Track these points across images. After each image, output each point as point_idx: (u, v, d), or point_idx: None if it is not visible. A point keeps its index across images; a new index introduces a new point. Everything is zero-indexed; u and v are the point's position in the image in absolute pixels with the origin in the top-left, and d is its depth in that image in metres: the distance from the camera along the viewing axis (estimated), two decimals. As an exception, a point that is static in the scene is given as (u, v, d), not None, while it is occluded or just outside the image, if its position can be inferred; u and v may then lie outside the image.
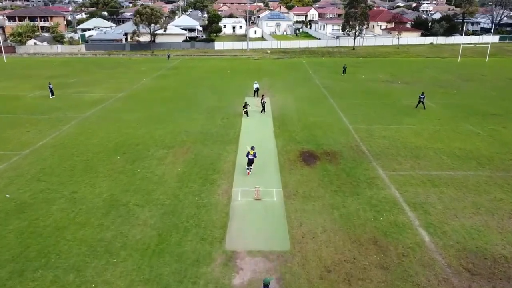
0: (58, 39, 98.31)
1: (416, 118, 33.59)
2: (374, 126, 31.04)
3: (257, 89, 40.04)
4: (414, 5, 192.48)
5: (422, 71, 61.21)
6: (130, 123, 31.68)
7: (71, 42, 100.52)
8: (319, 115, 34.22)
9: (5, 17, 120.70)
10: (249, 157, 21.35)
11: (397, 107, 37.51)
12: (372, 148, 26.00)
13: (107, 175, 21.68)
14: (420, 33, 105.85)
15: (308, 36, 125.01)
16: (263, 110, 35.01)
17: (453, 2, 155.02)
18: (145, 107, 37.15)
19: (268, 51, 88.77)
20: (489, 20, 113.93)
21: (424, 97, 36.55)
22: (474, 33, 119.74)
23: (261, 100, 35.03)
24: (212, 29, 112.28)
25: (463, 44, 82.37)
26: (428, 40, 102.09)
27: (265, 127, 30.31)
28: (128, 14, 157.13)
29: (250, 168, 21.67)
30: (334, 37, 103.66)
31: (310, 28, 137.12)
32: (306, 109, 36.32)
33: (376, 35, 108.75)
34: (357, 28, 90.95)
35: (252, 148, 21.67)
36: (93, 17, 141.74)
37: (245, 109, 33.11)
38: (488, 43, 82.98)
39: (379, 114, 34.79)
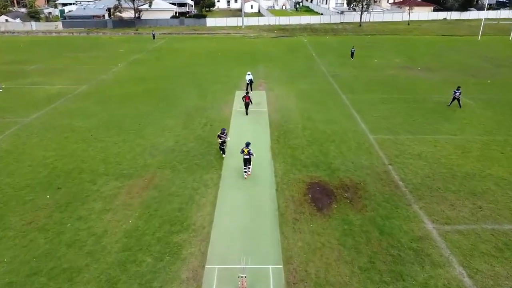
0: (33, 15, 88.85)
1: (455, 123, 26.05)
2: (403, 136, 23.55)
3: (251, 81, 32.22)
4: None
5: (442, 54, 53.10)
6: (81, 134, 24.07)
7: (49, 18, 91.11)
8: (329, 119, 26.60)
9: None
10: (245, 156, 18.10)
11: (427, 105, 29.88)
12: (408, 177, 18.63)
13: (17, 236, 14.40)
14: (432, 8, 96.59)
15: (309, 11, 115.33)
16: (246, 112, 27.62)
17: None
18: (108, 107, 29.38)
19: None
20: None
21: (460, 93, 28.86)
22: (491, 7, 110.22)
23: (245, 99, 27.35)
24: (204, 3, 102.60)
25: (484, 20, 73.55)
26: (441, 15, 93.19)
27: (260, 140, 22.82)
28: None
29: (249, 169, 18.64)
30: (338, 12, 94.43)
31: (312, 2, 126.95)
32: (312, 110, 28.61)
33: (384, 10, 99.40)
34: (364, 3, 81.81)
35: (247, 145, 18.12)
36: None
37: (221, 143, 20.87)
38: (510, 19, 74.35)
39: (406, 116, 27.22)
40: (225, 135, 20.51)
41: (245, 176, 18.53)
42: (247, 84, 32.50)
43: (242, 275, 11.57)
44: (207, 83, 36.35)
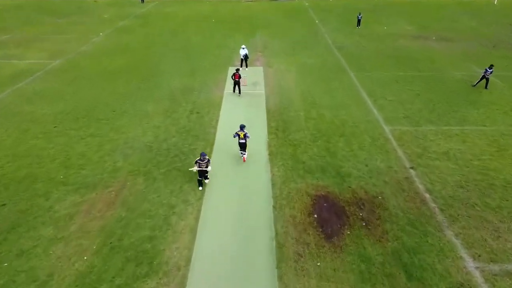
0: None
1: (483, 108, 22.13)
2: (425, 127, 19.66)
3: (246, 56, 27.80)
4: None
5: (457, 20, 47.94)
6: (44, 125, 20.12)
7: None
8: (336, 105, 22.60)
9: None
10: (240, 141, 16.22)
11: (448, 85, 25.70)
12: (435, 188, 14.95)
13: None
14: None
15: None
16: (235, 90, 24.02)
17: None
18: (81, 89, 25.20)
19: None
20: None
21: (491, 73, 24.63)
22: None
23: (234, 77, 23.43)
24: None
25: (502, -19, 67.05)
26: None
27: (255, 133, 19.06)
28: None
29: (244, 153, 16.70)
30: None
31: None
32: (316, 92, 24.45)
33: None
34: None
35: (242, 128, 16.18)
36: None
37: (200, 174, 14.93)
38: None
39: (425, 100, 23.21)
40: (206, 162, 14.34)
41: (243, 157, 16.77)
42: (242, 59, 28.08)
43: None
44: (197, 57, 31.80)
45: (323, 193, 14.76)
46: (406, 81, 26.27)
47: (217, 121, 20.43)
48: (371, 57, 31.99)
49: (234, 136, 16.15)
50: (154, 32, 41.02)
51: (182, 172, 16.00)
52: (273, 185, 15.23)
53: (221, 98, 23.43)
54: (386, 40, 37.47)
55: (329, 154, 17.35)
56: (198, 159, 14.38)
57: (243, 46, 28.03)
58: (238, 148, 16.66)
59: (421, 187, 15.14)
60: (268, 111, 21.56)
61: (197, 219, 13.37)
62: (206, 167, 14.41)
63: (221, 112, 21.43)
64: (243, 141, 16.08)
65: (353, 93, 24.30)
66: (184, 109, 21.90)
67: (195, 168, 14.39)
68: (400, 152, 17.53)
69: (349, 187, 15.14)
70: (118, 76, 27.35)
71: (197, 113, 21.36)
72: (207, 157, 14.38)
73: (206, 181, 15.18)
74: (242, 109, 21.70)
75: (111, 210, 13.82)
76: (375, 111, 21.75)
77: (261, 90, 24.56)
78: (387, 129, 19.71)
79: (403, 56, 32.24)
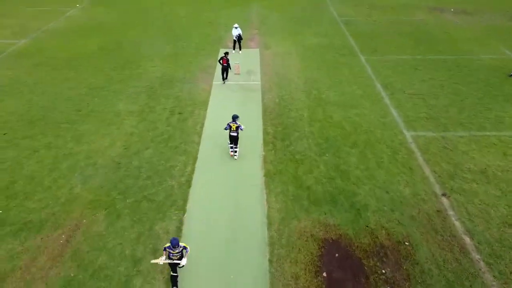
0: None
1: (523, 106, 18.28)
2: (454, 133, 16.13)
3: (239, 37, 23.60)
4: None
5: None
6: (-11, 132, 16.38)
7: None
8: (346, 101, 19.00)
9: None
10: (232, 133, 14.05)
11: (476, 72, 21.90)
12: (477, 228, 11.72)
13: None
14: None
15: None
16: (223, 77, 20.47)
17: None
18: (43, 80, 21.34)
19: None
20: None
21: (530, 59, 20.71)
22: None
23: (222, 61, 19.95)
24: None
25: None
26: None
27: (247, 143, 15.57)
28: None
29: (236, 149, 14.57)
30: None
31: None
32: (322, 83, 20.63)
33: None
34: None
35: (235, 119, 13.99)
36: None
37: (172, 269, 9.81)
38: None
39: (451, 93, 19.62)
40: (180, 252, 9.46)
41: (232, 153, 14.68)
42: (234, 40, 23.89)
43: None
44: (182, 36, 27.47)
45: (333, 237, 11.38)
46: (426, 68, 22.30)
47: (202, 125, 16.73)
48: (384, 34, 27.73)
49: (226, 128, 14.06)
50: (136, 4, 36.13)
51: (155, 203, 12.54)
52: (270, 224, 11.81)
53: (209, 92, 19.57)
54: (399, 13, 32.96)
55: (340, 174, 13.82)
56: (167, 246, 9.38)
57: (236, 25, 23.75)
58: (228, 141, 14.46)
59: (458, 226, 11.76)
60: (265, 111, 17.79)
61: (168, 282, 10.02)
62: (180, 259, 9.52)
63: (208, 112, 17.68)
64: (235, 134, 13.96)
65: (365, 84, 20.42)
66: (163, 107, 18.11)
67: (162, 260, 9.46)
68: (427, 171, 14.02)
69: (367, 226, 11.74)
70: (89, 62, 23.25)
71: (179, 113, 17.60)
72: (181, 246, 9.41)
73: (183, 261, 9.65)
74: (234, 107, 17.91)
75: (57, 266, 10.47)
76: (392, 109, 18.01)
77: (256, 81, 20.64)
78: (408, 135, 16.08)
79: (421, 33, 27.96)
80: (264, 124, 16.77)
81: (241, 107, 17.98)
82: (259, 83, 20.43)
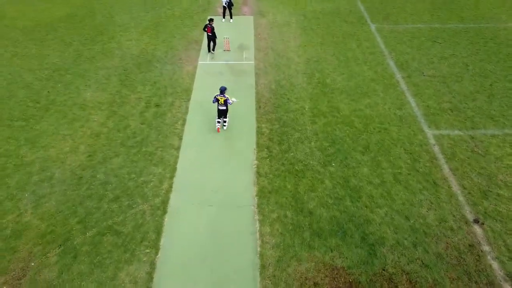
0: None
1: None
2: (484, 130, 13.52)
3: (229, 3, 19.85)
4: None
5: None
6: None
7: None
8: (356, 87, 16.02)
9: None
10: (220, 107, 12.79)
11: (505, 45, 18.64)
12: (522, 272, 9.18)
13: None
14: None
15: None
16: (209, 49, 17.78)
17: None
18: (-2, 58, 17.84)
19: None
20: None
21: None
22: None
23: (206, 30, 17.10)
24: None
25: None
26: None
27: (236, 149, 12.91)
28: None
29: (224, 122, 13.25)
30: None
31: None
32: (327, 63, 17.57)
33: None
34: None
35: (222, 92, 12.62)
36: None
37: None
38: None
39: (476, 74, 16.70)
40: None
41: (218, 127, 13.34)
42: (224, 7, 20.18)
43: None
44: (163, 3, 23.49)
45: (342, 286, 8.94)
46: (447, 40, 18.94)
47: (183, 122, 13.80)
48: (397, -3, 23.83)
49: (214, 102, 12.93)
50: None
51: (121, 238, 9.99)
52: (263, 267, 9.35)
53: (193, 75, 16.38)
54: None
55: (349, 192, 11.19)
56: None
57: (225, -13, 19.91)
58: (216, 115, 13.34)
59: (495, 268, 9.32)
60: (259, 101, 14.78)
61: None
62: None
63: (191, 104, 14.66)
64: (224, 107, 12.85)
65: (376, 63, 17.23)
66: (138, 97, 15.03)
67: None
68: (454, 185, 11.40)
69: (383, 270, 9.30)
70: (55, 33, 19.69)
71: (157, 105, 14.56)
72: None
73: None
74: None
75: (-7, 336, 8.07)
76: (410, 97, 15.02)
77: (249, 59, 17.36)
78: (430, 134, 13.27)
79: (439, -4, 24.05)
80: (258, 120, 13.83)
81: (231, 96, 14.89)
82: (253, 62, 17.17)
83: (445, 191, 11.31)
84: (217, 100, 12.65)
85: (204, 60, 17.27)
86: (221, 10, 20.93)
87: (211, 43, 17.02)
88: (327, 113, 14.21)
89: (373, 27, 20.38)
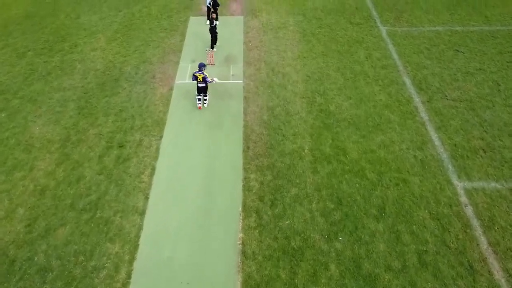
0: None
1: None
2: (528, 185, 10.28)
3: (214, 2, 16.20)
4: None
5: None
6: None
7: None
8: (366, 117, 12.91)
9: None
10: (200, 84, 12.12)
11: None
12: None
13: None
14: None
15: None
16: (213, 43, 15.21)
17: None
18: None
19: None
20: None
21: None
22: None
23: (210, 17, 14.74)
24: None
25: None
26: None
27: (217, 212, 9.72)
28: None
29: (205, 98, 12.61)
30: None
31: None
32: (330, 81, 14.44)
33: None
34: None
35: (201, 68, 12.00)
36: None
37: None
38: None
39: (511, 99, 13.19)
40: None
41: (199, 105, 12.62)
42: (208, 6, 16.58)
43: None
44: (141, 3, 19.72)
45: None
46: (471, 49, 15.68)
47: (152, 170, 10.72)
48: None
49: (193, 80, 12.22)
50: None
51: None
52: None
53: (168, 100, 13.11)
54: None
55: (362, 284, 8.27)
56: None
57: (208, -18, 16.25)
58: (196, 92, 12.58)
59: None
60: (247, 141, 11.64)
61: None
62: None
63: (163, 143, 11.50)
64: (203, 84, 12.21)
65: (390, 80, 14.05)
66: (98, 132, 11.85)
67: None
68: (498, 273, 8.58)
69: None
70: (6, 40, 16.21)
71: (120, 146, 11.42)
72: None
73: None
74: (201, 132, 11.73)
75: None
76: (432, 131, 11.97)
77: (237, 78, 14.07)
78: (460, 187, 10.33)
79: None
80: (246, 169, 10.75)
81: (213, 131, 11.82)
82: (241, 82, 13.84)
83: (486, 280, 8.43)
84: (196, 78, 11.96)
85: (182, 78, 13.95)
86: (205, 9, 17.31)
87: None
88: (332, 156, 11.11)
89: (383, 30, 16.93)
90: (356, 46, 15.93)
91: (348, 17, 17.84)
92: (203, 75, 11.97)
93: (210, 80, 12.09)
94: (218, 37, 15.15)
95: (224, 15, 17.67)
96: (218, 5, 16.43)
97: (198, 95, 12.52)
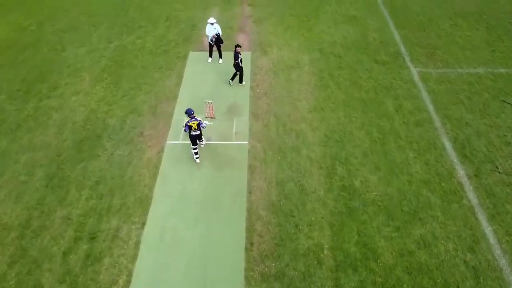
0: None
1: None
2: None
3: (218, 39, 13.59)
4: None
5: None
6: None
7: None
8: (401, 203, 10.22)
9: None
10: (193, 133, 10.21)
11: None
12: None
13: None
14: None
15: None
16: (237, 78, 13.19)
17: None
18: None
19: None
20: None
21: None
22: None
23: (235, 51, 12.51)
24: None
25: None
26: None
27: None
28: None
29: (202, 142, 10.98)
30: None
31: None
32: (353, 146, 11.75)
33: None
34: None
35: (190, 114, 10.10)
36: None
37: None
38: None
39: None
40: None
41: (198, 159, 10.62)
42: (210, 43, 13.95)
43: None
44: (137, 20, 17.35)
45: None
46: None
47: (129, 275, 8.26)
48: (443, 17, 17.36)
49: (185, 130, 10.17)
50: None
51: None
52: None
53: (156, 168, 10.59)
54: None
55: None
56: None
57: (212, 19, 13.65)
58: (191, 146, 10.48)
59: None
60: (251, 233, 9.10)
61: None
62: None
63: (145, 234, 8.98)
64: (197, 132, 10.24)
65: (427, 143, 11.53)
66: (67, 215, 9.47)
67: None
68: None
69: None
70: (-21, 78, 13.76)
71: (91, 237, 9.01)
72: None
73: None
74: (194, 219, 9.32)
75: None
76: (484, 222, 9.44)
77: (241, 138, 11.51)
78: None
79: (492, 12, 17.55)
80: (248, 278, 8.17)
81: (208, 215, 9.32)
82: (246, 143, 11.24)
83: None
84: (190, 128, 10.07)
85: (175, 136, 11.42)
86: (206, 41, 14.72)
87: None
88: (359, 261, 8.48)
89: (415, 72, 14.19)
90: (383, 93, 13.22)
91: (372, 54, 15.12)
92: (198, 121, 10.12)
93: (204, 124, 10.30)
94: (239, 74, 13.08)
95: (229, 50, 15.01)
96: (222, 42, 13.85)
97: (194, 148, 10.52)
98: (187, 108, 10.33)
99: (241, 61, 12.79)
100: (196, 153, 10.62)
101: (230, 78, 13.16)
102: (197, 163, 10.62)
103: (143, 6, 18.01)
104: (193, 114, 10.11)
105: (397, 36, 16.28)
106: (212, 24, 13.45)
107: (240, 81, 13.24)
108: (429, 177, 10.42)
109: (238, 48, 12.50)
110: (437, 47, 15.62)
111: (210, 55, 14.36)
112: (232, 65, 12.86)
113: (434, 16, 17.56)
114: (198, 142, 10.62)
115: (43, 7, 18.01)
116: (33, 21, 16.93)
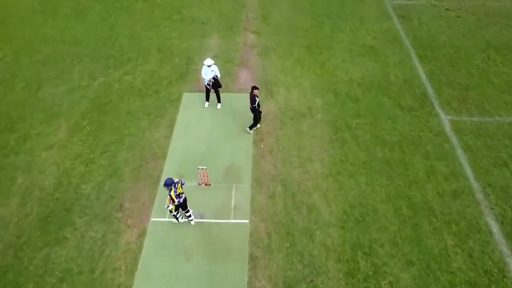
0: None
1: None
2: None
3: (214, 83, 11.44)
4: None
5: None
6: None
7: None
8: None
9: None
10: (181, 199, 8.56)
11: None
12: None
13: None
14: None
15: None
16: (255, 124, 10.93)
17: None
18: None
19: None
20: None
21: None
22: None
23: (252, 94, 10.21)
24: None
25: None
26: None
27: None
28: None
29: (188, 215, 9.04)
30: None
31: None
32: (379, 227, 9.61)
33: None
34: None
35: (170, 186, 8.28)
36: None
37: None
38: None
39: None
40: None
41: (193, 222, 9.13)
42: (206, 86, 11.72)
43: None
44: (127, 50, 15.15)
45: None
46: None
47: None
48: (474, 48, 15.05)
49: (173, 204, 8.42)
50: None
51: None
52: None
53: (135, 259, 8.45)
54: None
55: None
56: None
57: (209, 61, 11.42)
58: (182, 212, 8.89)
59: None
60: None
61: None
62: None
63: None
64: (181, 201, 8.48)
65: (467, 224, 9.49)
66: None
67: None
68: None
69: None
70: None
71: None
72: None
73: None
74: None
75: None
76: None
77: (241, 215, 9.40)
78: None
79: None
80: None
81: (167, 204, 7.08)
82: (247, 222, 9.04)
83: None
84: (178, 196, 8.43)
85: (162, 213, 9.23)
86: (201, 79, 12.52)
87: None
88: None
89: (446, 121, 11.93)
90: (410, 151, 10.97)
91: (395, 96, 12.85)
92: (181, 183, 8.53)
93: (166, 206, 8.51)
94: (254, 120, 10.97)
95: (230, 91, 12.82)
96: (219, 86, 11.67)
97: (187, 212, 9.00)
98: (166, 179, 8.38)
99: (258, 105, 10.60)
100: (189, 216, 9.02)
101: (248, 126, 11.10)
102: (186, 253, 8.43)
103: (133, 33, 15.80)
104: (176, 185, 8.37)
105: (422, 73, 13.98)
106: (209, 66, 11.24)
107: (251, 127, 11.06)
108: (475, 277, 8.19)
109: (255, 91, 10.37)
110: (469, 87, 13.32)
111: (207, 99, 12.19)
112: (249, 109, 10.75)
113: (463, 47, 15.24)
114: (184, 211, 8.92)
115: (24, 33, 15.86)
116: (8, 51, 14.77)
